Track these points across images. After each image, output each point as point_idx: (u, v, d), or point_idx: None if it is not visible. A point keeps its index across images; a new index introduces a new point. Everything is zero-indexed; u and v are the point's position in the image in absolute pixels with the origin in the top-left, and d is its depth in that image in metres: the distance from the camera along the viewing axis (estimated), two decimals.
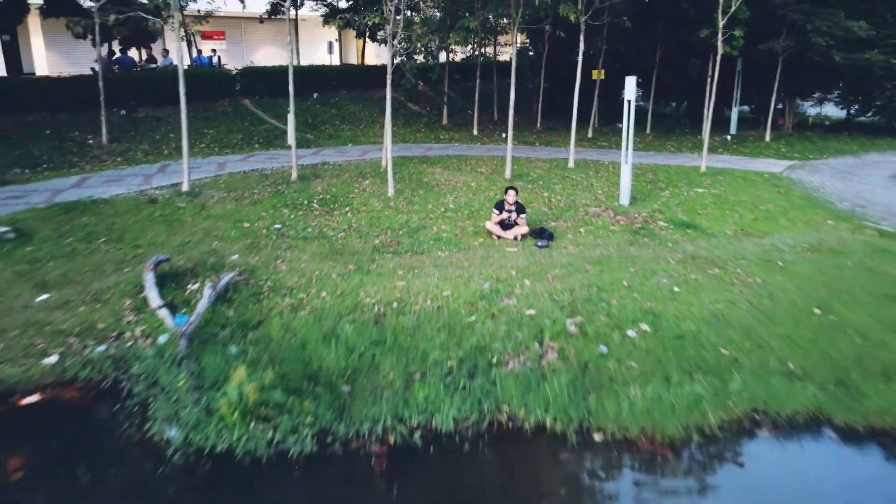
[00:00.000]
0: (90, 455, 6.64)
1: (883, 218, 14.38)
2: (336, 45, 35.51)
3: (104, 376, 7.51)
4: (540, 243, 11.94)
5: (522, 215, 12.36)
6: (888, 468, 6.79)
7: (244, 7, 24.57)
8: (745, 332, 8.51)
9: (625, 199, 15.04)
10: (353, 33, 32.40)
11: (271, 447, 6.50)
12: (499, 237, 12.34)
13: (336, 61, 35.68)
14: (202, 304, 8.54)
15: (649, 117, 27.85)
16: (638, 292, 9.47)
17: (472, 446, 6.76)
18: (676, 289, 9.69)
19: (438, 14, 24.48)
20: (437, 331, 8.40)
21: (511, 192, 12.38)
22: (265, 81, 24.09)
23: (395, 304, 9.00)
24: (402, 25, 15.70)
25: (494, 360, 7.87)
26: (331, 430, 6.78)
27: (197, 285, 9.36)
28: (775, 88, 24.81)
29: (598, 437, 6.88)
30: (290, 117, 16.75)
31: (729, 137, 26.06)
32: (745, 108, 30.95)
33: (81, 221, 11.86)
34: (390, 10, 14.60)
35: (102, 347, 7.94)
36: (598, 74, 24.40)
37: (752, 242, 12.36)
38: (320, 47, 34.53)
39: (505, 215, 12.32)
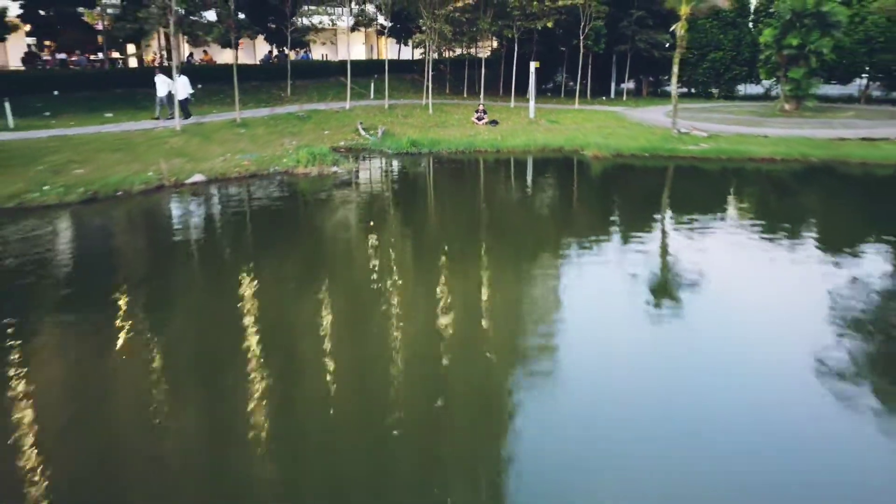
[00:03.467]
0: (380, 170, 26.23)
1: (643, 121, 33.93)
2: (374, 47, 54.79)
3: (355, 150, 27.03)
4: (493, 124, 31.49)
5: (485, 115, 31.90)
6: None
7: (335, 24, 43.72)
8: (592, 136, 28.09)
9: (532, 114, 34.53)
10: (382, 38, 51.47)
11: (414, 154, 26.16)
12: (475, 123, 31.87)
13: (374, 56, 54.84)
14: (381, 130, 28.15)
15: (562, 88, 47.30)
16: (574, 135, 29.05)
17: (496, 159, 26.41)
18: (553, 134, 29.28)
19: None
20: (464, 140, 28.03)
21: (480, 106, 31.97)
22: (341, 69, 43.18)
23: (439, 139, 28.57)
24: (434, 39, 35.11)
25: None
26: (432, 151, 26.40)
27: (376, 129, 28.81)
28: (627, 71, 44.39)
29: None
30: (347, 80, 36.09)
31: (604, 98, 45.52)
32: (630, 84, 50.38)
33: (288, 117, 31.14)
34: (432, 31, 33.96)
35: (327, 150, 27.47)
36: (536, 65, 43.69)
37: (585, 129, 31.92)
38: (359, 48, 53.73)
39: (478, 114, 31.87)
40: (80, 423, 8.01)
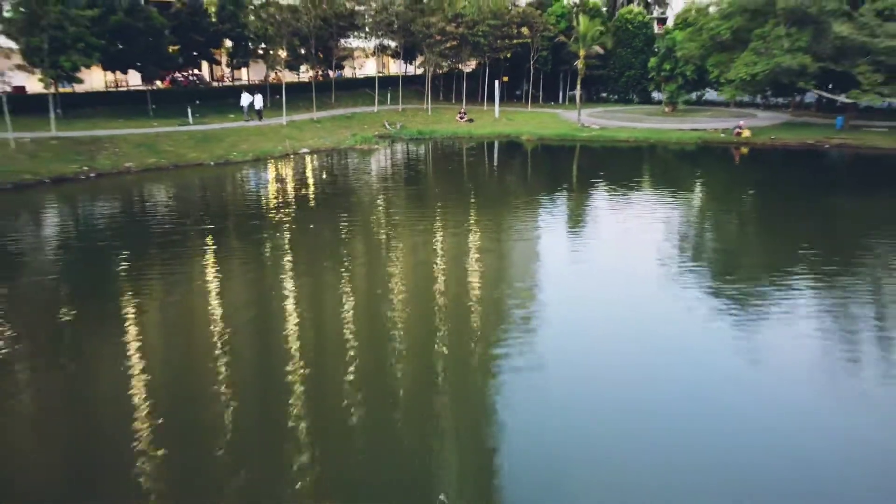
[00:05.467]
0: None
1: (567, 119, 51.81)
2: (385, 65, 72.62)
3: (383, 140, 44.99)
4: (470, 121, 49.45)
5: (465, 115, 49.87)
6: None
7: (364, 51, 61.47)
8: (529, 128, 46.08)
9: (496, 114, 52.41)
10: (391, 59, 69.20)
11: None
12: (458, 121, 49.83)
13: (385, 72, 72.63)
14: (399, 125, 46.18)
15: (524, 95, 65.15)
16: (520, 127, 47.02)
17: (484, 147, 44.45)
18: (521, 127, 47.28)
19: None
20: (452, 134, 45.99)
21: (462, 109, 50.01)
22: (368, 82, 60.96)
23: (435, 130, 46.57)
24: (431, 63, 53.02)
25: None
26: (431, 137, 44.42)
27: (395, 124, 46.70)
28: (569, 83, 62.19)
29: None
30: (373, 92, 53.98)
31: (553, 103, 63.38)
32: (576, 92, 68.08)
33: (342, 117, 48.95)
34: (432, 55, 51.83)
35: (372, 135, 45.43)
36: (505, 79, 61.53)
37: (532, 125, 49.84)
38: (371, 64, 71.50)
39: (460, 113, 49.88)
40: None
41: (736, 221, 26.10)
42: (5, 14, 35.94)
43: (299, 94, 51.26)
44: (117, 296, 17.27)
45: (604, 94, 67.02)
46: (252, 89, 47.10)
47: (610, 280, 18.36)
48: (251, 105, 44.40)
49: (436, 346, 14.55)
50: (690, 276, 18.71)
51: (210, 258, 20.59)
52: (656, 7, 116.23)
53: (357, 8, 51.33)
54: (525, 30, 53.08)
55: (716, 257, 21.40)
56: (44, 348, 14.55)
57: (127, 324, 15.47)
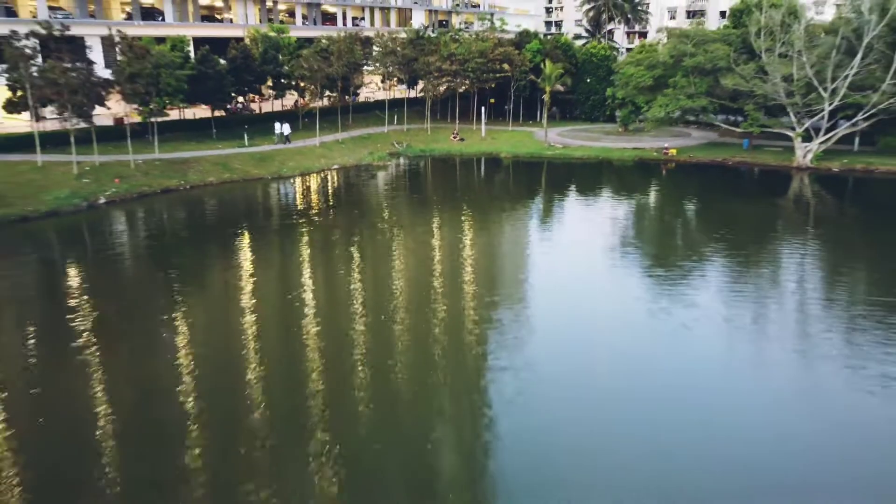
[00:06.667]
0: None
1: (539, 139, 64.56)
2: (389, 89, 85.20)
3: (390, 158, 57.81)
4: (461, 140, 62.22)
5: (458, 135, 62.63)
6: None
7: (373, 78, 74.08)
8: (507, 147, 58.91)
9: (483, 134, 65.11)
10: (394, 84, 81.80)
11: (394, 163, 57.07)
12: (452, 140, 62.58)
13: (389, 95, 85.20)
14: (405, 144, 58.93)
15: (508, 115, 77.77)
16: (501, 146, 59.85)
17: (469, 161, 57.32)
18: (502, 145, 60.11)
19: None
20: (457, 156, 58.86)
21: (455, 130, 62.76)
22: (379, 105, 73.55)
23: (434, 149, 59.44)
24: (431, 90, 65.76)
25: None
26: (430, 154, 57.27)
27: (402, 143, 59.44)
28: (542, 105, 74.96)
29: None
30: (384, 115, 66.72)
31: (531, 122, 75.98)
32: (553, 111, 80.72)
33: (360, 137, 61.67)
34: (431, 86, 64.54)
35: (385, 153, 58.26)
36: (492, 101, 74.12)
37: (510, 144, 62.62)
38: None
39: (454, 134, 62.64)
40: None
41: (647, 218, 39.01)
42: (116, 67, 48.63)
43: (323, 117, 64.09)
44: (268, 249, 30.17)
45: (576, 113, 79.71)
46: (282, 118, 59.60)
47: (550, 255, 31.20)
48: (282, 132, 57.00)
49: (441, 300, 27.37)
50: (610, 250, 31.56)
51: (305, 232, 33.55)
52: (636, 24, 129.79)
53: (371, 50, 64.15)
54: (506, 66, 65.73)
55: (635, 242, 34.26)
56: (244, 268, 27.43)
57: (280, 265, 28.39)
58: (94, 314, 24.60)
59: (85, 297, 26.65)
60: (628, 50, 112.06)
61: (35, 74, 41.65)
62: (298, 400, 19.20)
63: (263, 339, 23.06)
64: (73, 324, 23.45)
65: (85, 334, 22.76)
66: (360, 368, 20.78)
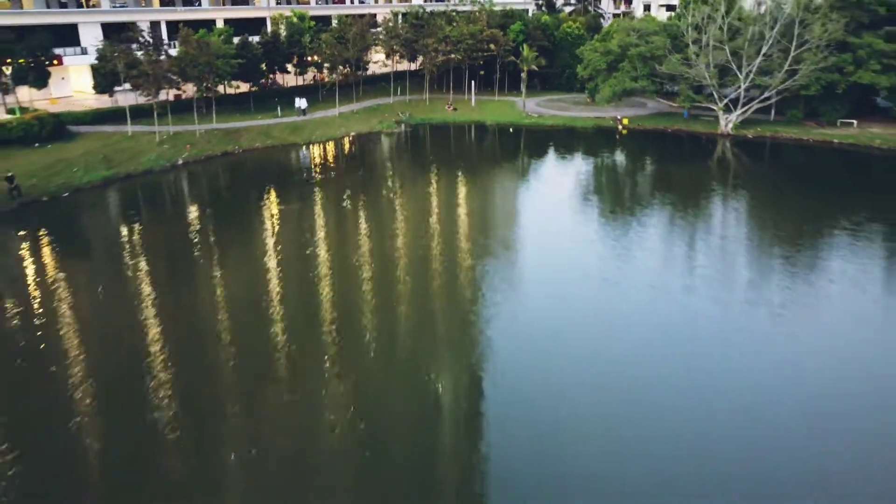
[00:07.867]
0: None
1: (519, 108, 77.11)
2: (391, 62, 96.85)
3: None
4: (455, 110, 74.79)
5: (452, 104, 75.14)
6: None
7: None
8: (492, 116, 71.62)
9: (473, 104, 77.55)
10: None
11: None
12: (447, 109, 75.12)
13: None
14: (408, 114, 71.64)
15: (496, 84, 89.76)
16: (487, 115, 72.56)
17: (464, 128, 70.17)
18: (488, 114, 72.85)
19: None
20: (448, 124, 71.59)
21: (450, 100, 75.22)
22: (384, 77, 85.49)
23: (432, 118, 72.13)
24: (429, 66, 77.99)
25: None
26: (429, 123, 70.09)
27: (405, 113, 72.09)
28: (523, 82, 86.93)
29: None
30: (393, 87, 78.99)
31: (515, 92, 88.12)
32: (534, 82, 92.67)
33: (370, 108, 74.18)
34: (429, 63, 76.80)
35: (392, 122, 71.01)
36: (481, 73, 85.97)
37: (496, 114, 75.23)
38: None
39: (448, 104, 75.15)
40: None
41: (602, 173, 52.42)
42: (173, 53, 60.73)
43: (339, 91, 76.51)
44: (338, 194, 43.87)
45: (555, 84, 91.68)
46: (303, 92, 71.82)
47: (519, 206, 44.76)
48: (300, 106, 69.22)
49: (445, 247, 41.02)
50: (575, 203, 45.04)
51: (348, 179, 47.15)
52: (623, 4, 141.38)
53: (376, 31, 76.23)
54: (492, 46, 77.73)
55: (588, 193, 47.71)
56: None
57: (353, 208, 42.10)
58: (211, 226, 38.93)
59: (200, 217, 40.55)
60: (615, 16, 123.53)
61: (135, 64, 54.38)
62: (320, 310, 32.92)
63: (330, 241, 36.67)
64: (212, 223, 37.36)
65: (213, 234, 36.63)
66: (405, 256, 34.49)
